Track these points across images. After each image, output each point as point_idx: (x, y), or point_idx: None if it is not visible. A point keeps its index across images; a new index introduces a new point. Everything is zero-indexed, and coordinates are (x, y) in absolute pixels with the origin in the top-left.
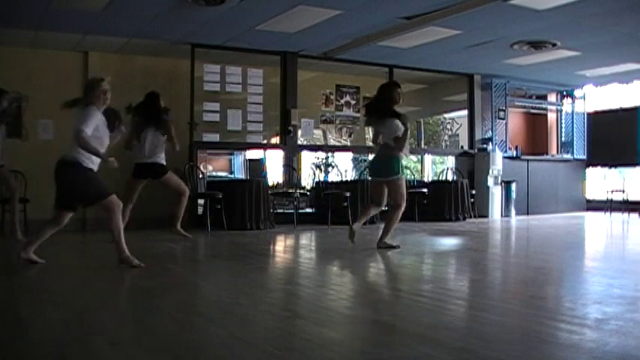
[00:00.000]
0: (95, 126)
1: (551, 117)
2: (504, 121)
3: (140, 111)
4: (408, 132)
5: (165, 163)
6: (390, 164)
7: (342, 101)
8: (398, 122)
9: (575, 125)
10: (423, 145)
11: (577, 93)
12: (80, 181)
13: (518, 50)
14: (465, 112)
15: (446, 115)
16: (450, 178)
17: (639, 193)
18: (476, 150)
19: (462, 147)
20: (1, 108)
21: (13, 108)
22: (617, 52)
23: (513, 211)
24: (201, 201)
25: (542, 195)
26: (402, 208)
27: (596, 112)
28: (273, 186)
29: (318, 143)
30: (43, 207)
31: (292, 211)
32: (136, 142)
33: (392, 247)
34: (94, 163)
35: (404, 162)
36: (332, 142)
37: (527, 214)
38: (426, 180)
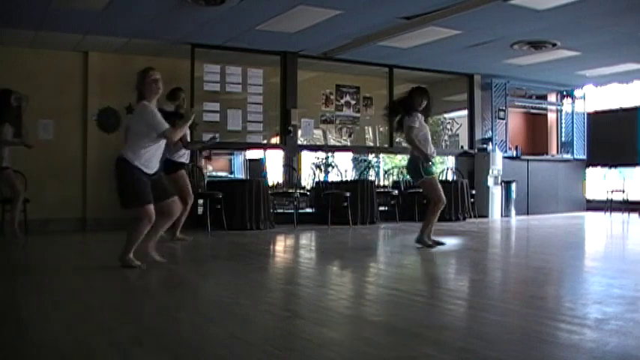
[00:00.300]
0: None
1: (551, 117)
2: (504, 121)
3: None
4: (414, 132)
5: (180, 160)
6: (414, 168)
7: (342, 101)
8: (407, 122)
9: (575, 125)
10: None
11: (577, 93)
12: (124, 180)
13: (518, 50)
14: (465, 112)
15: (446, 115)
16: (450, 178)
17: (639, 193)
18: (476, 150)
19: (462, 147)
20: (9, 107)
21: (14, 108)
22: (617, 52)
23: (513, 211)
24: (201, 201)
25: (542, 195)
26: (440, 205)
27: (596, 112)
28: (273, 186)
29: (318, 143)
30: (43, 207)
31: (292, 211)
32: None
33: (427, 244)
34: (147, 163)
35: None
36: (332, 142)
37: (527, 214)
38: None
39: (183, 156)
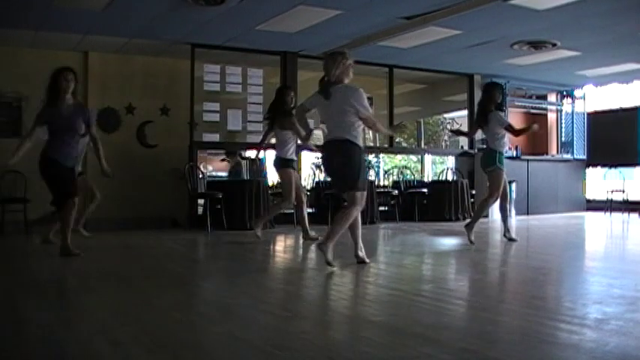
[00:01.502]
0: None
1: (551, 117)
2: None
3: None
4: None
5: (288, 157)
6: (488, 156)
7: None
8: (495, 119)
9: (575, 125)
10: (423, 145)
11: (577, 93)
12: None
13: (518, 50)
14: (465, 112)
15: (446, 115)
16: (450, 178)
17: (639, 193)
18: (476, 150)
19: (461, 147)
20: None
21: (14, 108)
22: (617, 52)
23: (513, 211)
24: (201, 201)
25: (542, 195)
26: (493, 199)
27: (596, 112)
28: (273, 186)
29: (318, 143)
30: (43, 207)
31: (292, 211)
32: None
33: (470, 239)
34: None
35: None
36: None
37: (527, 214)
38: (426, 180)
39: (287, 152)
